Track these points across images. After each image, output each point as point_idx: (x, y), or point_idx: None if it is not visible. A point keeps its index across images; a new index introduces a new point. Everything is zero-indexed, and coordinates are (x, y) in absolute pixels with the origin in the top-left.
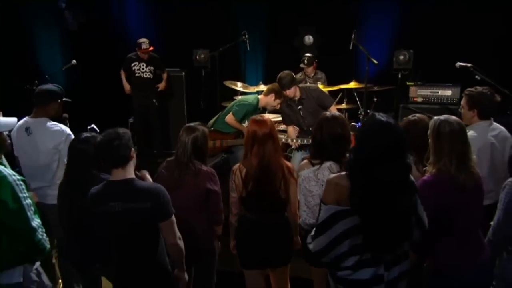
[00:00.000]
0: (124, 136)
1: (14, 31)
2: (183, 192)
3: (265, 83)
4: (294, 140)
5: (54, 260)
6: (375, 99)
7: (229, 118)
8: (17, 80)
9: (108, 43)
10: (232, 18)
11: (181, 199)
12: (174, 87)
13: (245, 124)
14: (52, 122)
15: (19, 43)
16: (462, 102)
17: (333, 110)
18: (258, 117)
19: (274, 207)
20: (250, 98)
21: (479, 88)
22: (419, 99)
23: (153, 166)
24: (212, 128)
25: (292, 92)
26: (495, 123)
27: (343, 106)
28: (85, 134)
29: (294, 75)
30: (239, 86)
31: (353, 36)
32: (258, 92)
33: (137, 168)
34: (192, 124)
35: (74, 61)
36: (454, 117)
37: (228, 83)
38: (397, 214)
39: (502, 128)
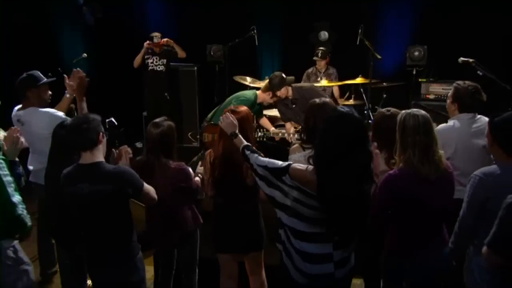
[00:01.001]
0: (93, 121)
1: (36, 25)
2: (158, 183)
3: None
4: (291, 135)
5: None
6: (384, 96)
7: None
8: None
9: (123, 37)
10: (247, 14)
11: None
12: (186, 82)
13: None
14: (43, 110)
15: (43, 36)
16: (449, 93)
17: None
18: (233, 107)
19: (241, 194)
20: (248, 93)
21: (467, 83)
22: (431, 96)
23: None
24: (211, 122)
25: (284, 92)
26: (481, 117)
27: (351, 102)
28: (66, 120)
29: (285, 76)
30: (248, 81)
31: (360, 31)
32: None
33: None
34: (157, 120)
35: (84, 54)
36: (420, 111)
37: (238, 78)
38: (361, 202)
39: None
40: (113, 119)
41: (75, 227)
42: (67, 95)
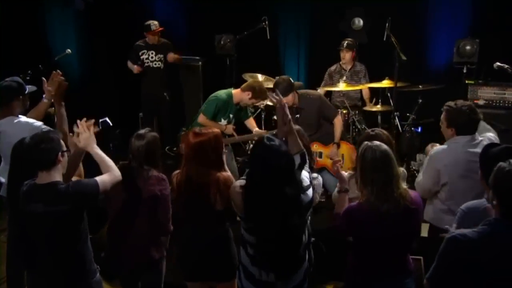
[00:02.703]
0: (52, 140)
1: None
2: (131, 197)
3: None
4: None
5: None
6: (419, 101)
7: (201, 118)
8: (25, 62)
9: (119, 25)
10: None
11: (128, 205)
12: (190, 79)
13: (223, 122)
14: (23, 120)
15: (27, 24)
16: (442, 116)
17: (338, 122)
18: (198, 129)
19: (210, 220)
20: (221, 92)
21: (459, 104)
22: (481, 102)
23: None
24: (184, 133)
25: (290, 100)
26: (484, 139)
27: (378, 108)
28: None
29: (292, 81)
30: (260, 80)
31: (387, 25)
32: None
33: None
34: (141, 131)
35: (68, 50)
36: (381, 145)
37: (247, 76)
38: (288, 232)
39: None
40: (107, 119)
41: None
42: (45, 100)
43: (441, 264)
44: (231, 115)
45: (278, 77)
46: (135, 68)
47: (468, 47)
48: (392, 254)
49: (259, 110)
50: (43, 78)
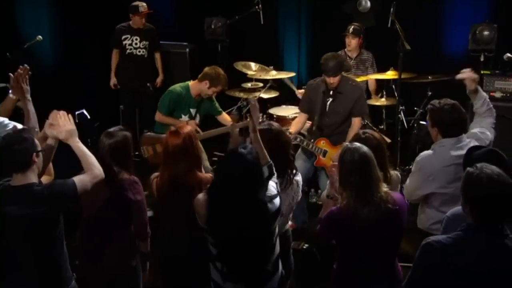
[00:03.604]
0: (26, 141)
1: None
2: (100, 202)
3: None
4: (293, 134)
5: None
6: (429, 93)
7: (157, 116)
8: None
9: (99, 7)
10: None
11: (98, 210)
12: (176, 68)
13: (184, 118)
14: None
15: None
16: (428, 116)
17: (357, 123)
18: (174, 128)
19: (193, 224)
20: (176, 85)
21: (442, 102)
22: (497, 94)
23: (142, 168)
24: (148, 132)
25: (336, 81)
26: (471, 140)
27: (383, 102)
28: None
29: (343, 60)
30: (253, 70)
31: (392, 9)
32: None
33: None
34: (111, 129)
35: (39, 37)
36: (362, 147)
37: (239, 66)
38: (250, 242)
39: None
40: (84, 111)
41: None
42: (11, 95)
43: (416, 271)
44: (192, 110)
45: (328, 53)
46: (112, 79)
47: (486, 33)
48: (377, 259)
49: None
50: (10, 74)
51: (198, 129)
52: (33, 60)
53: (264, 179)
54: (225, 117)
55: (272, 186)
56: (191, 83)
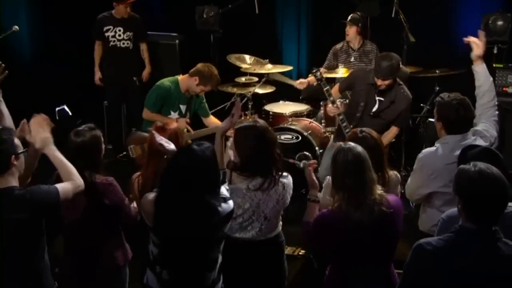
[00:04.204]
0: (4, 142)
1: None
2: (80, 210)
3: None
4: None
5: None
6: (437, 88)
7: (144, 113)
8: None
9: None
10: None
11: (80, 217)
12: (164, 60)
13: (173, 114)
14: None
15: None
16: (435, 109)
17: (392, 132)
18: (160, 124)
19: None
20: (164, 80)
21: (452, 96)
22: (511, 89)
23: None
24: (136, 132)
25: (385, 84)
26: (476, 138)
27: None
28: None
29: (400, 64)
30: (248, 63)
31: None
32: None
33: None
34: (80, 128)
35: (15, 27)
36: (356, 147)
37: (232, 58)
38: (194, 244)
39: (482, 143)
40: (65, 107)
41: None
42: None
43: (408, 274)
44: (181, 106)
45: (387, 53)
46: (97, 74)
47: (499, 23)
48: (371, 263)
49: (246, 98)
50: None
51: (189, 127)
52: (10, 53)
53: (217, 178)
54: (212, 121)
55: (224, 190)
56: (180, 77)
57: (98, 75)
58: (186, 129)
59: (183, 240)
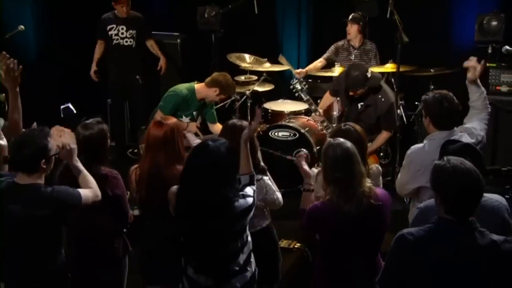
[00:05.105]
0: (37, 146)
1: None
2: None
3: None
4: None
5: None
6: (431, 87)
7: (158, 115)
8: None
9: None
10: None
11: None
12: (167, 59)
13: (184, 119)
14: None
15: None
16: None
17: (383, 137)
18: (159, 119)
19: (170, 217)
20: (182, 87)
21: (437, 93)
22: (504, 88)
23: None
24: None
25: (357, 94)
26: (463, 134)
27: None
28: None
29: (367, 76)
30: (247, 62)
31: (390, 0)
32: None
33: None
34: (88, 121)
35: (21, 27)
36: (346, 142)
37: (233, 57)
38: (212, 236)
39: (468, 140)
40: (70, 106)
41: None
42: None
43: (390, 265)
44: (194, 113)
45: (355, 64)
46: (93, 67)
47: (493, 23)
48: (359, 255)
49: (245, 97)
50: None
51: (199, 132)
52: (15, 52)
53: (233, 173)
54: (218, 128)
55: (251, 189)
56: (197, 86)
57: (93, 69)
58: (195, 133)
59: (199, 231)
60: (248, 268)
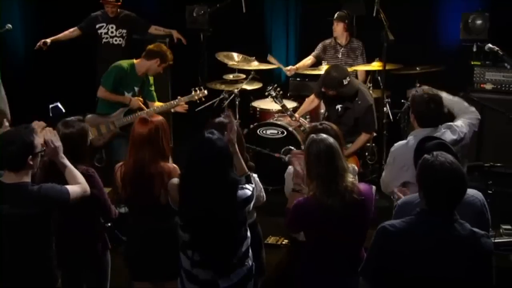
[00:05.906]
0: (23, 143)
1: None
2: None
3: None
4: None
5: None
6: (417, 85)
7: (100, 92)
8: None
9: None
10: None
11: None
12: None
13: (127, 94)
14: None
15: None
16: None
17: (362, 139)
18: (144, 115)
19: (156, 214)
20: (121, 62)
21: (424, 91)
22: (488, 86)
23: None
24: (89, 116)
25: (329, 94)
26: (446, 131)
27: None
28: None
29: (344, 79)
30: (236, 61)
31: None
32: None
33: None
34: (69, 119)
35: (9, 25)
36: (327, 138)
37: (221, 56)
38: (217, 223)
39: (450, 136)
40: (59, 105)
41: None
42: None
43: (372, 255)
44: (135, 88)
45: (332, 67)
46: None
47: (478, 22)
48: (344, 250)
49: (233, 95)
50: None
51: (143, 106)
52: (3, 51)
53: (231, 163)
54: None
55: (250, 186)
56: (136, 60)
57: (47, 40)
58: (139, 108)
59: (204, 219)
60: (246, 263)
